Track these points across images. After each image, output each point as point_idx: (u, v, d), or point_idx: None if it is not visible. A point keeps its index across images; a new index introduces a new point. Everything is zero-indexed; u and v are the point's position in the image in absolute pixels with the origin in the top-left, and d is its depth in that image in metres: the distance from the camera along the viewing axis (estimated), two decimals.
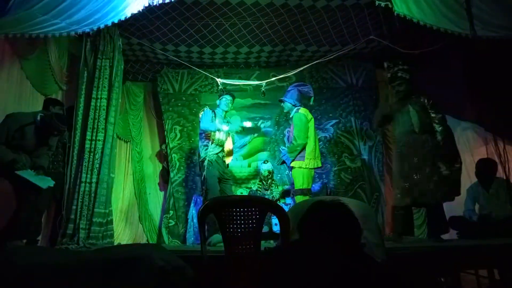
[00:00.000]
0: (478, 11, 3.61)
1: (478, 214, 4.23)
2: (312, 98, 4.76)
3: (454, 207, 4.69)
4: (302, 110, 4.50)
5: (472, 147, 4.85)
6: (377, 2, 3.65)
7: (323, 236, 1.48)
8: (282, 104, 4.70)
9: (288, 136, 4.78)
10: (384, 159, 5.86)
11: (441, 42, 4.37)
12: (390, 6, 3.59)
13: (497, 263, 2.99)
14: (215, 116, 4.62)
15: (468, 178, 4.74)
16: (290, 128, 4.70)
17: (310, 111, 4.66)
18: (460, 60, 4.66)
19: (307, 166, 4.31)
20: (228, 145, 4.78)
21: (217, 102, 4.81)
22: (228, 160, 4.76)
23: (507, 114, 4.23)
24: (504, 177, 4.04)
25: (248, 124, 5.15)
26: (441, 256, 2.86)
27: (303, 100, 4.69)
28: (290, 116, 4.61)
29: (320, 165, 4.48)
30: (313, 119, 4.56)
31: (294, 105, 4.56)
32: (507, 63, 4.06)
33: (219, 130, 4.53)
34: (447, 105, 5.22)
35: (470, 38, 3.56)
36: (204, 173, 4.38)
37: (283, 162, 4.57)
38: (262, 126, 5.90)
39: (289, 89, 4.72)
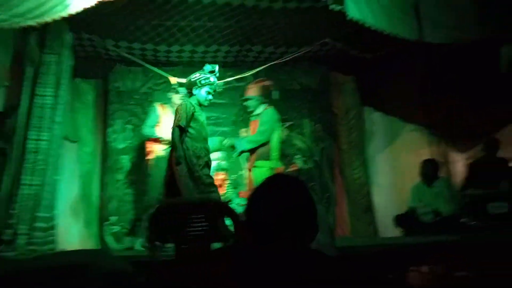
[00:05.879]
0: (427, 10, 3.76)
1: (422, 212, 4.44)
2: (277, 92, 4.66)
3: (400, 206, 4.91)
4: (271, 108, 4.42)
5: (416, 148, 5.10)
6: (330, 7, 3.73)
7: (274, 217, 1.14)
8: (245, 103, 4.55)
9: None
10: (336, 161, 5.97)
11: (393, 45, 4.53)
12: (343, 10, 3.68)
13: (441, 259, 3.15)
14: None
15: (410, 178, 4.97)
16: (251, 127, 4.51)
17: None
18: (412, 63, 4.87)
19: (272, 166, 4.23)
20: None
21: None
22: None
23: (453, 117, 4.48)
24: (446, 177, 4.30)
25: None
26: (388, 254, 2.97)
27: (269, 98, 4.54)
28: (256, 113, 4.42)
29: (281, 166, 4.43)
30: (280, 119, 4.56)
31: (261, 102, 4.42)
32: (457, 67, 4.29)
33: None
34: (396, 107, 5.48)
35: (419, 44, 3.74)
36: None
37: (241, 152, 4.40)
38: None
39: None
